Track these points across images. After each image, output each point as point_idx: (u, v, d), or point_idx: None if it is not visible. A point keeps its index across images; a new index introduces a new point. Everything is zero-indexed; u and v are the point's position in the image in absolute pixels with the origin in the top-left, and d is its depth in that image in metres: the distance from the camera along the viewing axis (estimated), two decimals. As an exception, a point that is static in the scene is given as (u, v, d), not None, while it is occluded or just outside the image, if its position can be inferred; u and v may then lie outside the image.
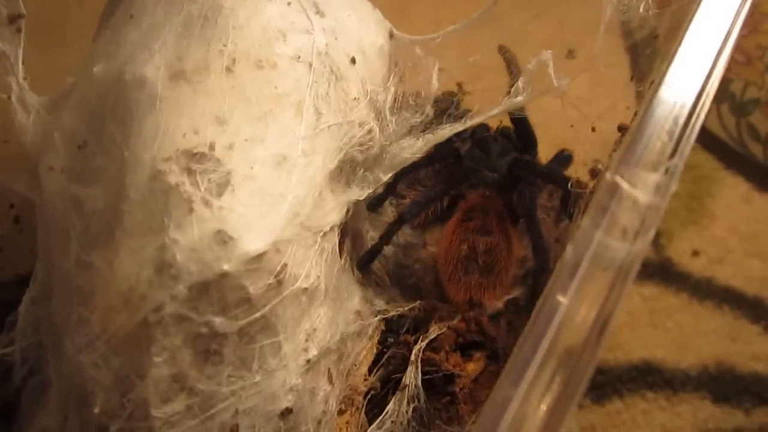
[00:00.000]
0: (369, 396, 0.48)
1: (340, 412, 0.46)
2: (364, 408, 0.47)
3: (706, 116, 0.33)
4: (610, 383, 0.66)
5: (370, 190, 0.47)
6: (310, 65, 0.41)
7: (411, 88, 0.50)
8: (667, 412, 0.65)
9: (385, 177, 0.48)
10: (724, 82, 0.81)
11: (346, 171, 0.45)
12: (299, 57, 0.41)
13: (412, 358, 0.47)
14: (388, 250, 0.55)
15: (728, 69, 0.82)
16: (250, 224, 0.36)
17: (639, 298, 0.71)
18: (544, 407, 0.26)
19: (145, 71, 0.39)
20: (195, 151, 0.37)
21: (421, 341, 0.48)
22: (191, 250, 0.35)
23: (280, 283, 0.38)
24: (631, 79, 0.51)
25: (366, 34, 0.46)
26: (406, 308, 0.51)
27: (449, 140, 0.54)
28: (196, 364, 0.36)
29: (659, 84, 0.32)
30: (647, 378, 0.66)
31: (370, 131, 0.45)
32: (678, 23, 0.37)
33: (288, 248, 0.38)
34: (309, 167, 0.40)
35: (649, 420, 0.64)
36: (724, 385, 0.66)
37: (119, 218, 0.37)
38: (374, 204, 0.57)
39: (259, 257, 0.36)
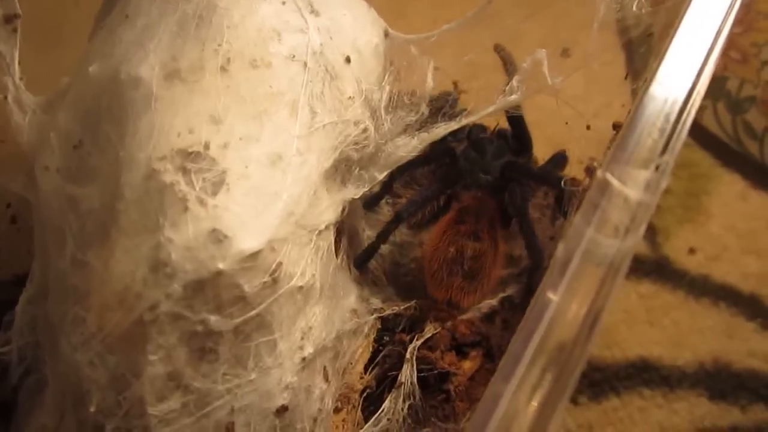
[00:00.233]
0: (365, 394, 0.48)
1: (336, 410, 0.46)
2: (360, 406, 0.47)
3: (703, 114, 0.33)
4: (607, 381, 0.66)
5: (366, 189, 0.47)
6: (305, 64, 0.41)
7: (406, 86, 0.50)
8: (664, 409, 0.65)
9: (381, 176, 0.48)
10: (720, 80, 0.81)
11: (341, 170, 0.45)
12: (294, 56, 0.41)
13: (408, 355, 0.47)
14: (384, 248, 0.55)
15: (724, 67, 0.83)
16: (245, 223, 0.36)
17: (636, 295, 0.71)
18: (534, 403, 0.26)
19: (140, 71, 0.39)
20: (190, 150, 0.37)
21: (417, 340, 0.48)
22: (186, 248, 0.35)
23: (275, 281, 0.38)
24: (626, 77, 0.52)
25: (361, 33, 0.46)
26: (402, 307, 0.51)
27: (445, 140, 0.54)
28: (192, 363, 0.36)
29: (650, 81, 0.32)
30: (644, 375, 0.66)
31: (365, 130, 0.45)
32: (673, 20, 0.37)
33: (283, 247, 0.38)
34: (304, 166, 0.40)
35: (646, 417, 0.65)
36: (721, 382, 0.66)
37: (114, 217, 0.37)
38: (371, 203, 0.57)
39: (254, 256, 0.36)
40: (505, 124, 0.58)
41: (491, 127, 0.60)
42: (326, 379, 0.44)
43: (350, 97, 0.44)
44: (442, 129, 0.49)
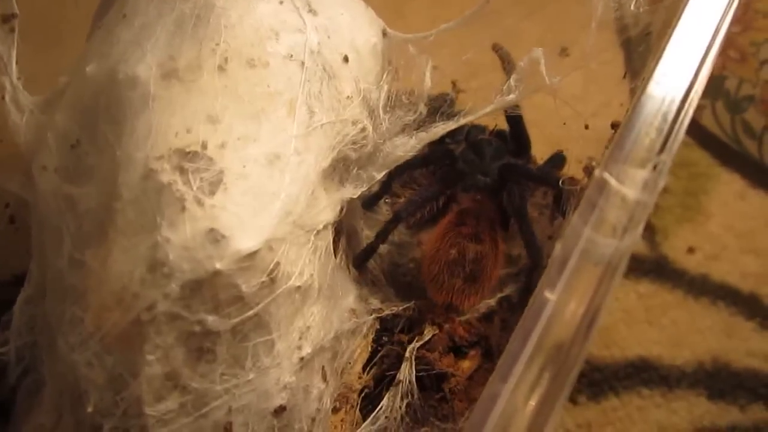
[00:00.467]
0: (363, 394, 0.48)
1: (335, 410, 0.46)
2: (358, 406, 0.47)
3: (701, 113, 0.33)
4: (606, 380, 0.66)
5: (364, 189, 0.47)
6: (303, 64, 0.41)
7: (404, 86, 0.50)
8: (663, 408, 0.65)
9: (379, 175, 0.48)
10: (719, 79, 0.81)
11: (339, 169, 0.45)
12: (292, 56, 0.41)
13: (407, 354, 0.47)
14: (383, 248, 0.55)
15: (723, 66, 0.83)
16: (243, 223, 0.36)
17: (635, 295, 0.71)
18: (532, 403, 0.26)
19: (137, 70, 0.39)
20: (187, 149, 0.37)
21: (416, 342, 0.48)
22: (184, 248, 0.35)
23: (273, 281, 0.38)
24: (625, 76, 0.52)
25: (359, 32, 0.46)
26: (401, 307, 0.51)
27: (444, 142, 0.54)
28: (189, 363, 0.36)
29: (648, 80, 0.32)
30: (643, 375, 0.66)
31: (363, 129, 0.45)
32: (671, 19, 0.37)
33: (281, 246, 0.38)
34: (302, 166, 0.40)
35: (645, 417, 0.65)
36: (720, 382, 0.66)
37: (112, 217, 0.37)
38: (369, 202, 0.57)
39: (252, 255, 0.36)
40: (503, 124, 0.58)
41: (490, 126, 0.60)
42: (324, 379, 0.44)
43: (348, 96, 0.44)
44: (440, 128, 0.49)
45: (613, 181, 0.29)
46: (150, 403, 0.36)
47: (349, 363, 0.47)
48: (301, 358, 0.41)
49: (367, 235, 0.55)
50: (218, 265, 0.35)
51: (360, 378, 0.48)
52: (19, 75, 0.43)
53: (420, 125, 0.49)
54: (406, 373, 0.46)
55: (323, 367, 0.44)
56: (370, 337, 0.50)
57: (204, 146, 0.37)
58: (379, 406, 0.46)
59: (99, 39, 0.43)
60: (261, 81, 0.40)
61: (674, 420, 0.64)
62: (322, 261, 0.43)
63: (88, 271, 0.37)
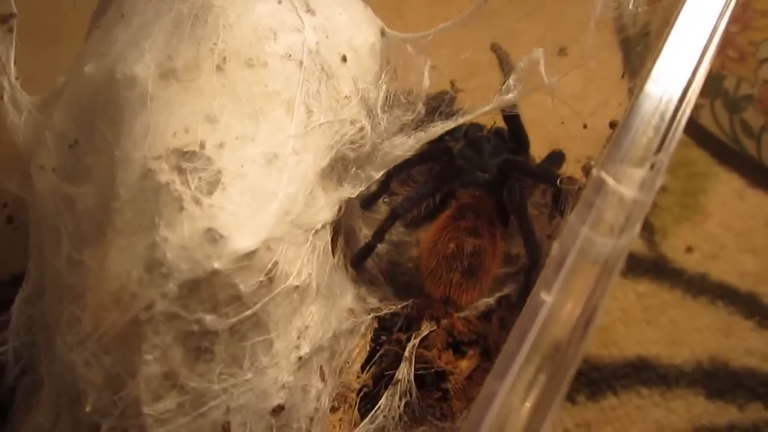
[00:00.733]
0: (362, 393, 0.48)
1: (333, 410, 0.46)
2: (357, 405, 0.47)
3: (700, 113, 0.33)
4: (605, 379, 0.66)
5: (362, 188, 0.47)
6: (301, 63, 0.41)
7: (403, 85, 0.50)
8: (661, 407, 0.65)
9: (377, 175, 0.48)
10: (718, 79, 0.81)
11: (337, 169, 0.45)
12: (290, 55, 0.41)
13: (405, 354, 0.47)
14: (381, 248, 0.55)
15: (721, 65, 0.83)
16: (241, 222, 0.36)
17: (633, 294, 0.71)
18: (529, 402, 0.26)
19: (135, 70, 0.39)
20: (185, 149, 0.37)
21: (414, 338, 0.48)
22: (182, 248, 0.35)
23: (271, 280, 0.38)
24: (623, 75, 0.52)
25: (357, 32, 0.46)
26: (399, 306, 0.51)
27: (442, 139, 0.54)
28: (187, 362, 0.36)
29: (645, 80, 0.32)
30: (641, 374, 0.66)
31: (361, 129, 0.45)
32: (670, 19, 0.37)
33: (279, 246, 0.38)
34: (300, 165, 0.40)
35: (644, 416, 0.65)
36: (718, 381, 0.66)
37: (110, 217, 0.37)
38: (368, 202, 0.57)
39: (250, 255, 0.36)
40: (501, 123, 0.58)
41: (488, 126, 0.60)
42: (323, 378, 0.44)
43: (346, 96, 0.44)
44: (438, 128, 0.49)
45: (610, 181, 0.29)
46: (148, 402, 0.36)
47: (348, 362, 0.48)
48: (300, 358, 0.41)
49: (365, 234, 0.55)
50: (216, 265, 0.35)
51: (358, 377, 0.48)
52: (18, 75, 0.43)
53: (418, 125, 0.49)
54: (405, 372, 0.46)
55: (321, 366, 0.44)
56: (369, 336, 0.50)
57: (202, 146, 0.37)
58: (378, 406, 0.46)
59: (97, 39, 0.43)
60: (259, 81, 0.40)
61: (673, 419, 0.64)
62: (320, 260, 0.43)
63: (86, 270, 0.37)
